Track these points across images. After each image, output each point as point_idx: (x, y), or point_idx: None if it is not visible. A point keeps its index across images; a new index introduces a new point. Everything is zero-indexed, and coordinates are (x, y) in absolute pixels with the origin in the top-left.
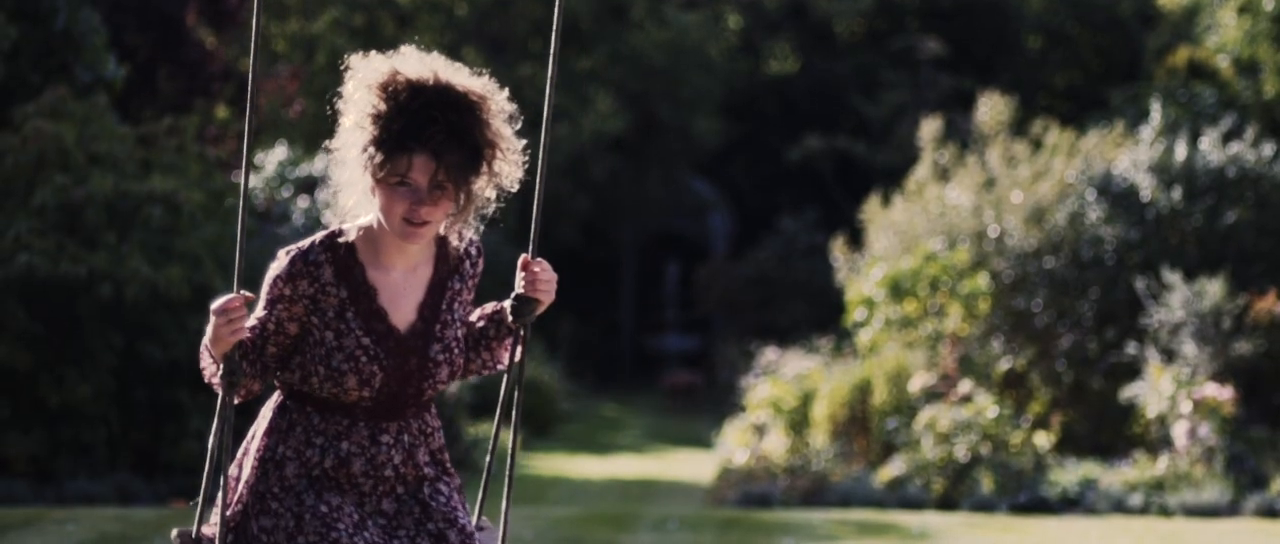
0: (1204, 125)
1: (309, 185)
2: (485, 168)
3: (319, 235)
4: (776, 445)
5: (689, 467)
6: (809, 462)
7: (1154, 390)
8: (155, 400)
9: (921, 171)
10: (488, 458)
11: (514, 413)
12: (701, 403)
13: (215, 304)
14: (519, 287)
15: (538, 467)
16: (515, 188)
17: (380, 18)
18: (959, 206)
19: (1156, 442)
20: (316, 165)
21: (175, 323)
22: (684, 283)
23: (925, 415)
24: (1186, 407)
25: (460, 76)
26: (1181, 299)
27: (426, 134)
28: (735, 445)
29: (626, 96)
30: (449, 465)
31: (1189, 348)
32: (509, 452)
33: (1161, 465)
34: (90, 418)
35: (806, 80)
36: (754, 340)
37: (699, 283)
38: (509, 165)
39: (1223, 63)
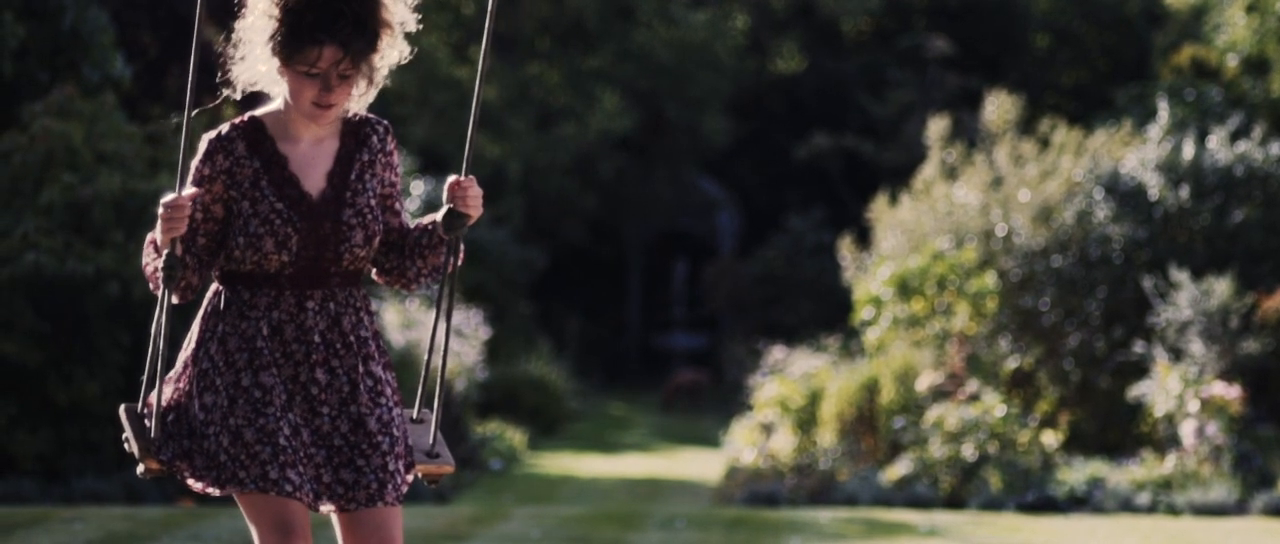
0: (1211, 124)
1: None
2: (383, 46)
3: (233, 120)
4: (784, 444)
5: (696, 465)
6: (816, 460)
7: (1161, 389)
8: None
9: (929, 170)
10: (427, 356)
11: (443, 313)
12: (704, 402)
13: (165, 198)
14: (448, 202)
15: (545, 465)
16: (409, 58)
17: None
18: (966, 205)
19: (1164, 441)
20: None
21: (183, 322)
22: (691, 281)
23: (933, 414)
24: (1194, 405)
25: None
26: (1189, 298)
27: (335, 26)
28: (742, 444)
29: (634, 95)
30: (383, 351)
31: (1197, 347)
32: (441, 352)
33: (1169, 464)
34: (98, 416)
35: (814, 79)
36: (761, 339)
37: (706, 281)
38: (402, 37)
39: (1232, 62)
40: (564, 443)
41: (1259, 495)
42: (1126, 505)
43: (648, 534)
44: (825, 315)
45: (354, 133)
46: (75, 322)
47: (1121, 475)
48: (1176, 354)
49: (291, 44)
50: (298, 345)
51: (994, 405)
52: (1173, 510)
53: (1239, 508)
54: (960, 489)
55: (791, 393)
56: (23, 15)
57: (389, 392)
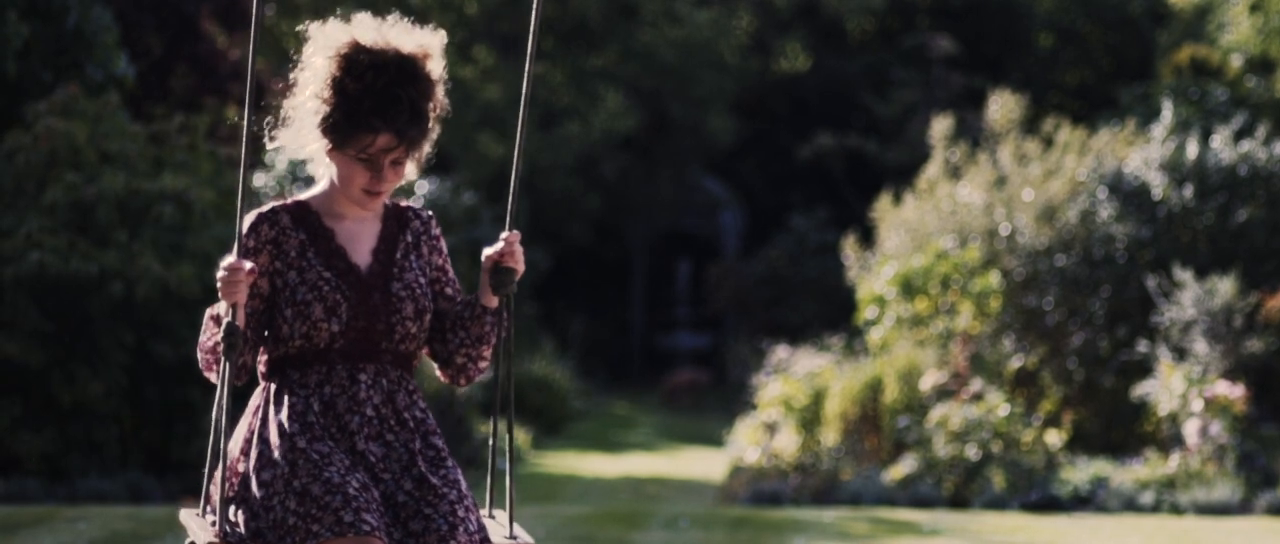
0: (1215, 123)
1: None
2: (433, 127)
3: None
4: (787, 443)
5: (700, 465)
6: (820, 460)
7: (1165, 389)
8: (167, 399)
9: (932, 170)
10: (490, 441)
11: (507, 386)
12: (705, 401)
13: (223, 262)
14: (489, 254)
15: (549, 465)
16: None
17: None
18: (970, 205)
19: (1168, 440)
20: None
21: (187, 321)
22: (695, 281)
23: (936, 414)
24: (1198, 405)
25: (411, 40)
26: (1193, 297)
27: (391, 113)
28: (746, 443)
29: (637, 94)
30: (439, 433)
31: (1200, 346)
32: (507, 432)
33: (1173, 464)
34: (102, 416)
35: (817, 78)
36: (765, 338)
37: (710, 281)
38: (440, 111)
39: (1235, 61)
40: (568, 442)
41: (1263, 495)
42: (1130, 505)
43: (652, 533)
44: (829, 315)
45: (396, 218)
46: (79, 321)
47: (1125, 475)
48: (1180, 353)
49: (345, 129)
50: (351, 417)
51: (998, 405)
52: (1176, 510)
53: (1243, 507)
54: (964, 488)
55: (795, 392)
56: (27, 14)
57: (450, 462)
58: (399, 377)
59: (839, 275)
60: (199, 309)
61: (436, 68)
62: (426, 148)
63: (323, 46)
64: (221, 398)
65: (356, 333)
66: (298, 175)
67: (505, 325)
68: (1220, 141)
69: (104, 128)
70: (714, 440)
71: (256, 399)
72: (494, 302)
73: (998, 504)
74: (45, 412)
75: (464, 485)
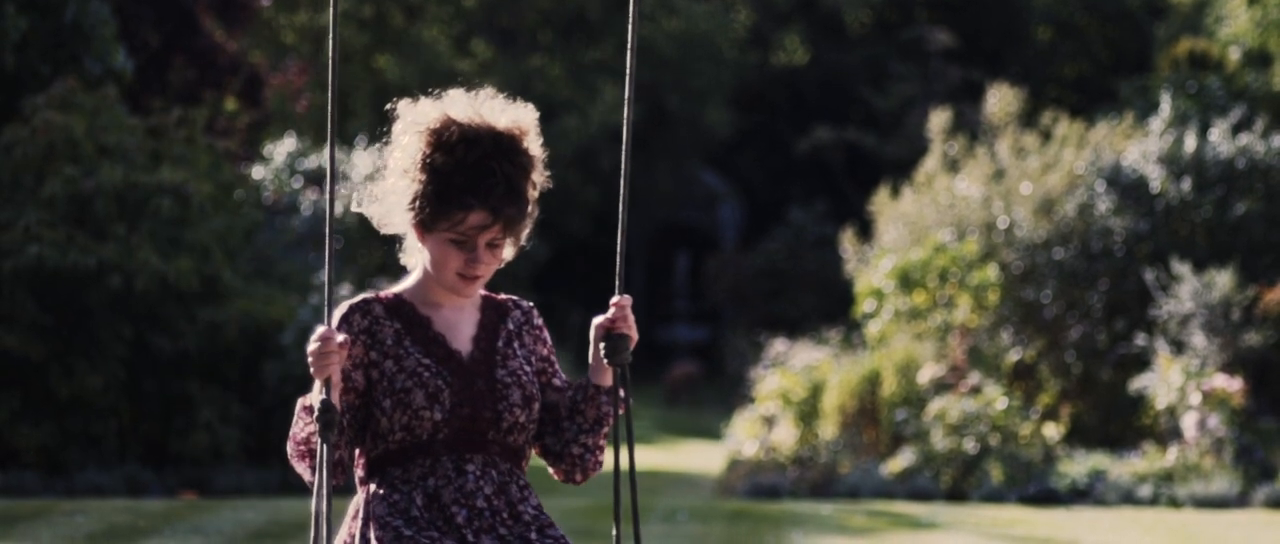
0: (1213, 116)
1: (318, 177)
2: (531, 207)
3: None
4: (785, 437)
5: (698, 458)
6: (818, 453)
7: (1163, 382)
8: (165, 392)
9: (931, 163)
10: (614, 531)
11: (629, 456)
12: (703, 394)
13: (314, 332)
14: (598, 323)
15: None
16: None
17: (389, 10)
18: (968, 198)
19: (1166, 433)
20: (325, 157)
21: (185, 314)
22: (693, 274)
23: (934, 407)
24: (1196, 398)
25: (506, 115)
26: (1191, 290)
27: (485, 189)
28: (744, 437)
29: (636, 88)
30: (559, 531)
31: (1198, 339)
32: (631, 509)
33: (1171, 457)
34: (100, 409)
35: (816, 72)
36: (763, 331)
37: (708, 274)
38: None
39: (1233, 54)
40: None
41: (1260, 488)
42: (1128, 498)
43: (650, 526)
44: (827, 308)
45: (495, 308)
46: (77, 314)
47: (1123, 468)
48: (1178, 347)
49: (436, 208)
50: (458, 509)
51: (995, 398)
52: (1174, 503)
53: (1240, 500)
54: (962, 481)
55: (793, 385)
56: (25, 8)
57: None
58: (509, 470)
59: (837, 268)
60: (196, 302)
61: (534, 145)
62: (526, 229)
63: (411, 123)
64: (321, 487)
65: (461, 422)
66: (295, 168)
67: (626, 400)
68: (1218, 135)
69: (102, 121)
70: (712, 433)
71: (356, 502)
72: (607, 378)
73: (996, 497)
74: (43, 405)
75: None
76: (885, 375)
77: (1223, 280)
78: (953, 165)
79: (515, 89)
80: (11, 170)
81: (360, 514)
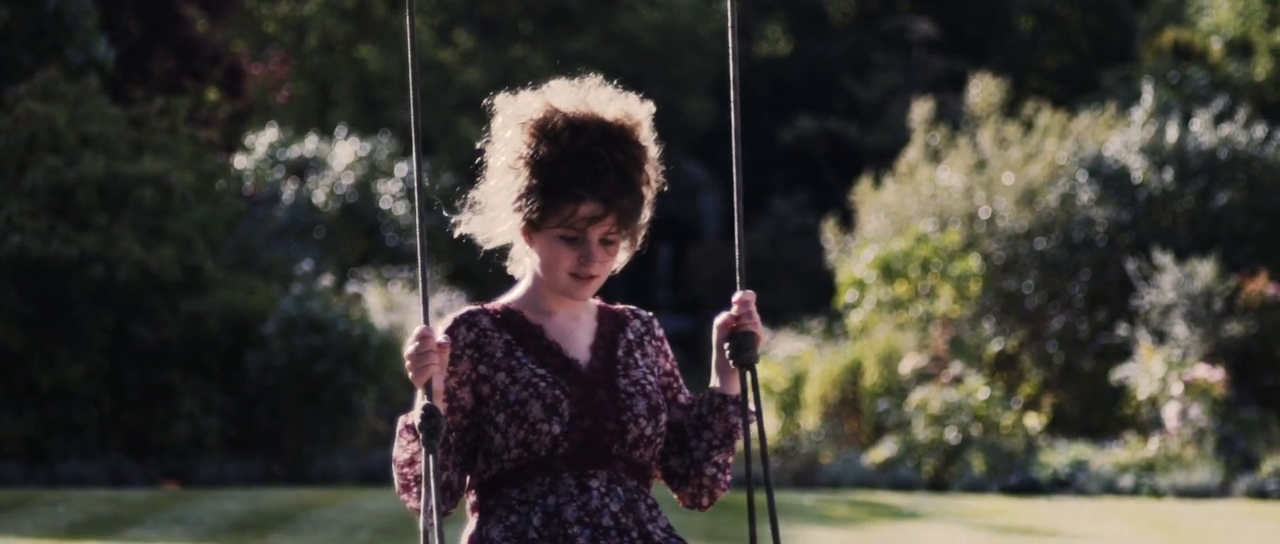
0: (1195, 107)
1: (299, 167)
2: (647, 205)
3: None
4: (767, 427)
5: None
6: (800, 443)
7: (1145, 372)
8: (147, 382)
9: (913, 153)
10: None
11: (764, 470)
12: (685, 383)
13: (414, 332)
14: (721, 322)
15: None
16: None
17: (371, 0)
18: (950, 188)
19: (1147, 423)
20: (307, 147)
21: (167, 304)
22: (675, 264)
23: (916, 397)
24: (1177, 388)
25: (615, 104)
26: (1172, 281)
27: (595, 178)
28: None
29: (618, 78)
30: None
31: (1180, 329)
32: (768, 513)
33: (1152, 447)
34: (82, 399)
35: (798, 62)
36: None
37: (691, 264)
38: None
39: (1215, 44)
40: None
41: (1242, 478)
42: (1110, 488)
43: None
44: (809, 298)
45: (612, 317)
46: (59, 304)
47: (1105, 458)
48: (1160, 337)
49: (544, 202)
50: (581, 529)
51: (977, 388)
52: (1156, 493)
53: (1222, 490)
54: (944, 472)
55: (775, 376)
56: None
57: None
58: (636, 487)
59: (819, 259)
60: (178, 292)
61: (646, 137)
62: (641, 227)
63: (511, 116)
64: (430, 502)
65: (583, 435)
66: (277, 159)
67: (757, 406)
68: (1200, 125)
69: (84, 111)
70: None
71: (468, 529)
72: (734, 385)
73: (977, 487)
74: (25, 395)
75: None
76: (867, 366)
77: (1204, 270)
78: (935, 155)
79: (497, 80)
80: None
81: (474, 539)
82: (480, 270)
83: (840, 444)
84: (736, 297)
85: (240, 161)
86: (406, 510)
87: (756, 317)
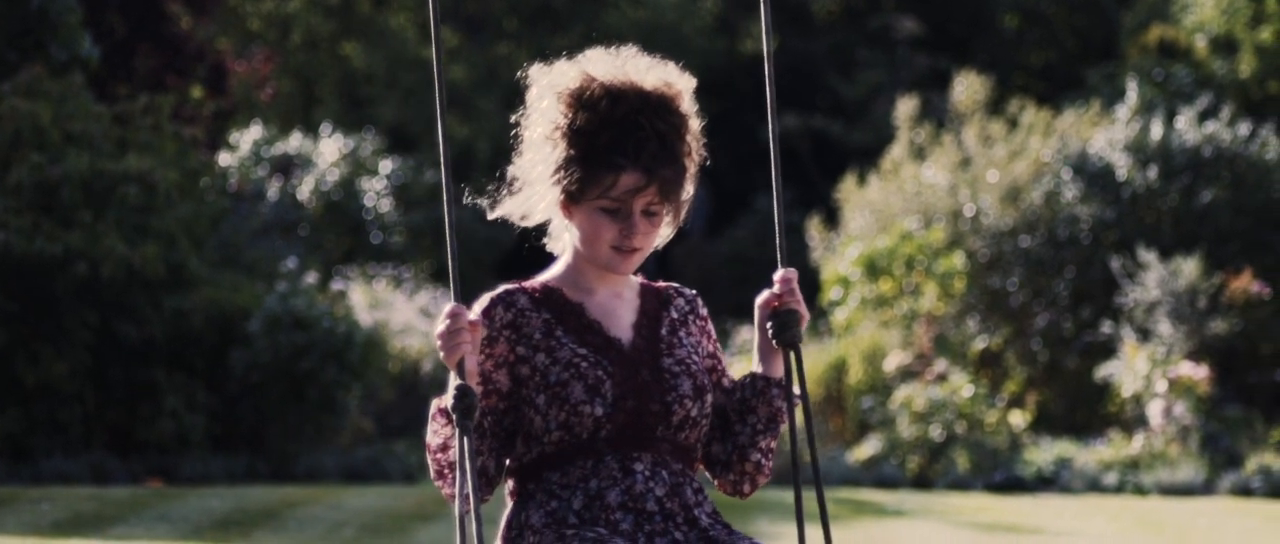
0: (1180, 104)
1: (283, 165)
2: (690, 177)
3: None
4: None
5: None
6: (783, 440)
7: (1129, 369)
8: (131, 379)
9: (897, 151)
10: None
11: (812, 451)
12: None
13: (445, 310)
14: (763, 301)
15: None
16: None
17: None
18: (935, 186)
19: (1132, 421)
20: (291, 144)
21: (151, 301)
22: (660, 261)
23: (901, 394)
24: (1162, 386)
25: (655, 73)
26: (1157, 278)
27: (636, 147)
28: None
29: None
30: (748, 540)
31: (1164, 327)
32: (815, 487)
33: (1137, 444)
34: (66, 396)
35: (783, 59)
36: (730, 319)
37: (675, 261)
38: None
39: (1200, 42)
40: None
41: (1226, 475)
42: (1094, 486)
43: None
44: None
45: (655, 295)
46: (43, 301)
47: (1089, 456)
48: (1144, 334)
49: (584, 172)
50: (624, 514)
51: (962, 386)
52: (1140, 491)
53: (1206, 488)
54: (928, 469)
55: None
56: None
57: None
58: (681, 470)
59: (803, 256)
60: (163, 290)
61: (688, 107)
62: (684, 200)
63: (547, 87)
64: (465, 487)
65: (626, 416)
66: (261, 156)
67: (802, 388)
68: (1185, 122)
69: (68, 108)
70: None
71: (507, 514)
72: (778, 367)
73: (962, 485)
74: (9, 392)
75: None
76: (851, 363)
77: (1189, 268)
78: (919, 153)
79: (482, 76)
80: None
81: (513, 523)
82: (469, 268)
83: (824, 442)
84: (778, 274)
85: (225, 159)
86: (402, 506)
87: (799, 294)
